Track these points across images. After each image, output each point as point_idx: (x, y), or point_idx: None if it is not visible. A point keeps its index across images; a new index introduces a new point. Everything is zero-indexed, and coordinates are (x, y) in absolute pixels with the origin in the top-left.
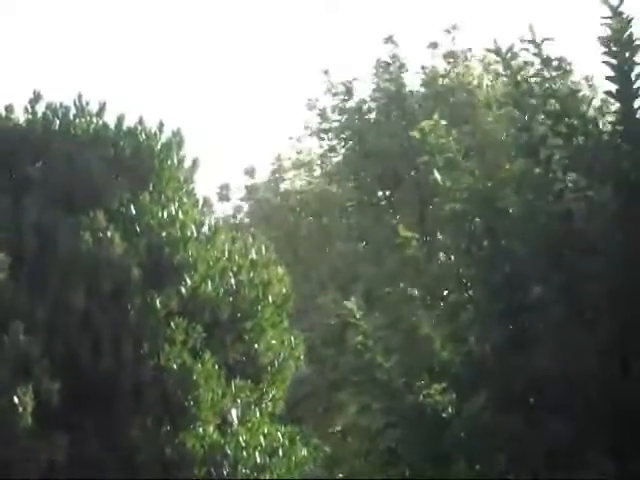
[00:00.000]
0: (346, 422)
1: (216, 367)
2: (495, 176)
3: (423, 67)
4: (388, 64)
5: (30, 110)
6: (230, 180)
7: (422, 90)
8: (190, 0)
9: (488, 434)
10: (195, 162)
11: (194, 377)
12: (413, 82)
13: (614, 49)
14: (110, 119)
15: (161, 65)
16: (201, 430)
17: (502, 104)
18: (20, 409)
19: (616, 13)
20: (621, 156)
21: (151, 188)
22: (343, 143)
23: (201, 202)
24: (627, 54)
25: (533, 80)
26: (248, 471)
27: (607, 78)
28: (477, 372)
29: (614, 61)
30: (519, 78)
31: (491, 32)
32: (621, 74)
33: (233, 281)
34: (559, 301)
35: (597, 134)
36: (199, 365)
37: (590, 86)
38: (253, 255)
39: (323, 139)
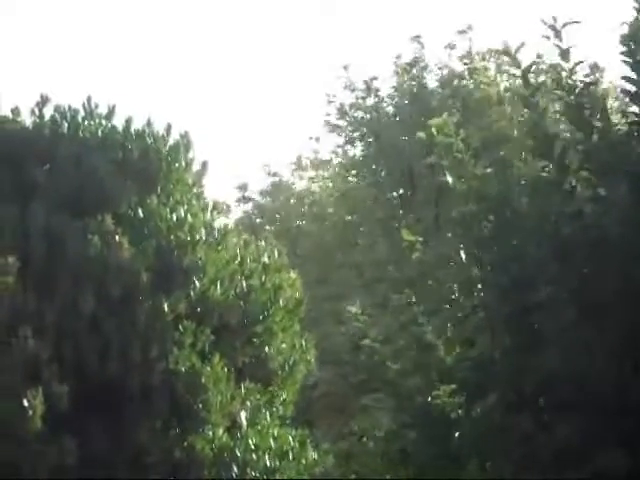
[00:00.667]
0: (361, 424)
1: (225, 370)
2: (506, 176)
3: (440, 67)
4: (411, 64)
5: (38, 113)
6: (249, 180)
7: (440, 90)
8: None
9: (498, 434)
10: (204, 165)
11: (203, 380)
12: (429, 81)
13: (633, 47)
14: (119, 122)
15: (172, 68)
16: (210, 433)
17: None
18: (30, 412)
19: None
20: (635, 155)
21: (159, 191)
22: (360, 140)
23: (210, 205)
24: None
25: (547, 75)
26: (257, 474)
27: (623, 78)
28: (486, 374)
29: (631, 60)
30: (529, 76)
31: (505, 31)
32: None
33: (244, 284)
34: (569, 302)
35: (613, 132)
36: (208, 368)
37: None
38: (265, 259)
39: (340, 135)
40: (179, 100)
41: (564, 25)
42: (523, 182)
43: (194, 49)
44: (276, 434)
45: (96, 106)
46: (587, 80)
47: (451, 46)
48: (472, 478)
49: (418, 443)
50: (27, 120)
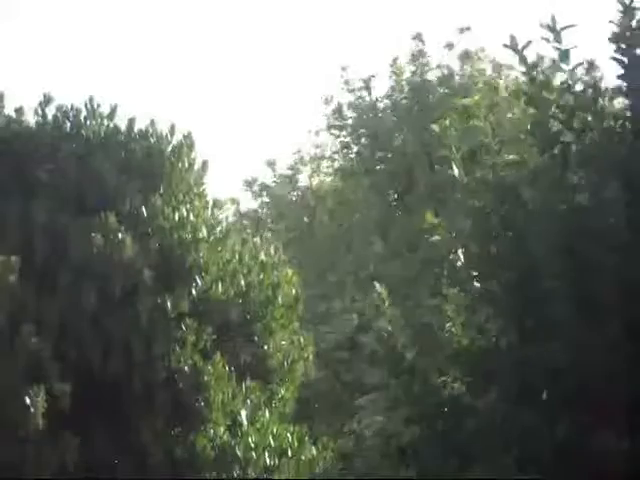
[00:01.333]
0: (361, 422)
1: (227, 368)
2: (512, 170)
3: (439, 66)
4: (413, 60)
5: (41, 113)
6: (254, 175)
7: (439, 89)
8: None
9: (503, 428)
10: (205, 164)
11: (205, 378)
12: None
13: (624, 46)
14: (121, 122)
15: (174, 66)
16: (212, 431)
17: (518, 99)
18: (31, 411)
19: (628, 9)
20: (631, 153)
21: (162, 190)
22: (357, 140)
23: (211, 204)
24: (638, 51)
25: (549, 73)
26: (257, 472)
27: (618, 77)
28: (494, 364)
29: (624, 59)
30: (535, 73)
31: (500, 32)
32: (631, 71)
33: (243, 283)
34: (572, 296)
35: (609, 130)
36: (210, 367)
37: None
38: (262, 257)
39: (338, 136)
40: (181, 99)
41: (563, 29)
42: (528, 177)
43: (195, 49)
44: (275, 432)
45: (98, 106)
46: (585, 79)
47: (449, 46)
48: (477, 477)
49: (423, 440)
50: (31, 120)
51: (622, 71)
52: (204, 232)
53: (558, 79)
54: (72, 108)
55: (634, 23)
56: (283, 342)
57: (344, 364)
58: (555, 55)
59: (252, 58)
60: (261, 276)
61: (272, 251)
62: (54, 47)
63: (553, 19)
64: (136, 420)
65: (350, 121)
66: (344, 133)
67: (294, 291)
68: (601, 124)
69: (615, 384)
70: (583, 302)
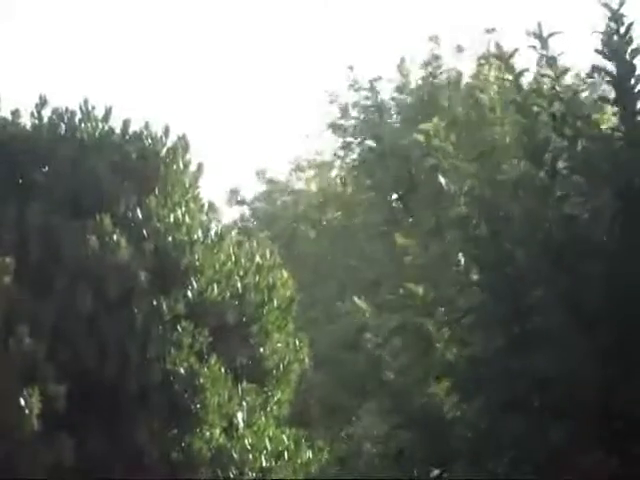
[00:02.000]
0: (357, 425)
1: (222, 371)
2: (498, 180)
3: (448, 70)
4: (427, 63)
5: (36, 115)
6: (244, 182)
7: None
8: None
9: (491, 436)
10: (200, 166)
11: (200, 381)
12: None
13: (611, 53)
14: (116, 124)
15: (168, 69)
16: (208, 433)
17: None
18: (26, 412)
19: (616, 16)
20: (621, 160)
21: (157, 192)
22: (359, 145)
23: (206, 206)
24: (627, 58)
25: (537, 81)
26: (254, 474)
27: (607, 82)
28: (480, 374)
29: (613, 65)
30: (522, 81)
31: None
32: (620, 78)
33: (239, 285)
34: (560, 305)
35: (600, 137)
36: (205, 369)
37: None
38: (258, 259)
39: (341, 136)
40: (176, 102)
41: (549, 35)
42: (514, 186)
43: (191, 52)
44: (271, 434)
45: (93, 108)
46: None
47: (460, 49)
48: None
49: (415, 444)
50: (26, 122)
51: (610, 78)
52: (199, 234)
53: (546, 86)
54: (67, 110)
55: (622, 29)
56: (279, 344)
57: (343, 366)
58: (542, 62)
59: (251, 60)
60: (257, 278)
61: (267, 253)
62: (49, 49)
63: (539, 26)
64: (132, 422)
65: (353, 121)
66: (349, 133)
67: (289, 293)
68: (592, 131)
69: (603, 393)
70: (572, 311)
